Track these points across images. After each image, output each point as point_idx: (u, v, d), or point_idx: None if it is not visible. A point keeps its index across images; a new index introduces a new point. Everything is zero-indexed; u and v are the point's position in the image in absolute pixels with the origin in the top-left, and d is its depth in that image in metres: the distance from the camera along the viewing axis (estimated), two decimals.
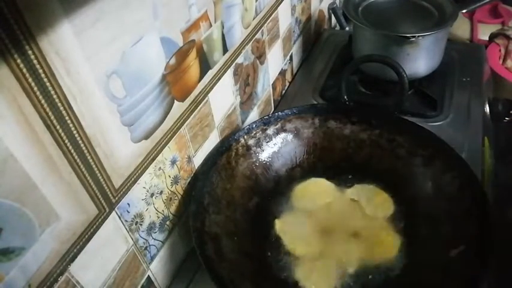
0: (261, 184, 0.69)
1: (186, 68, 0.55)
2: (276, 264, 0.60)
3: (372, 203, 0.66)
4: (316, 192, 0.69)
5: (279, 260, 0.60)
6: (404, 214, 0.63)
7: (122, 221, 0.50)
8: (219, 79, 0.64)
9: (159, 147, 0.53)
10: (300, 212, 0.66)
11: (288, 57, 0.95)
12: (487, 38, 1.30)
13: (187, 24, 0.53)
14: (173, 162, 0.57)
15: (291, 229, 0.63)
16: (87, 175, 0.42)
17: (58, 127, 0.38)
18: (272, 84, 0.88)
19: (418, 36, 0.78)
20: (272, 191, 0.69)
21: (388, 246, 0.60)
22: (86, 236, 0.44)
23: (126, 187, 0.49)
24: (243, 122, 0.77)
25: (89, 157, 0.42)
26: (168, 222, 0.60)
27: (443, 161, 0.63)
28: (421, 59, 0.83)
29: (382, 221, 0.63)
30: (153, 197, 0.55)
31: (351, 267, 0.58)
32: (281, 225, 0.64)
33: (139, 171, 0.51)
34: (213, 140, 0.67)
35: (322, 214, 0.65)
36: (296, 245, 0.61)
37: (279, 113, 0.72)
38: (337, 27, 1.22)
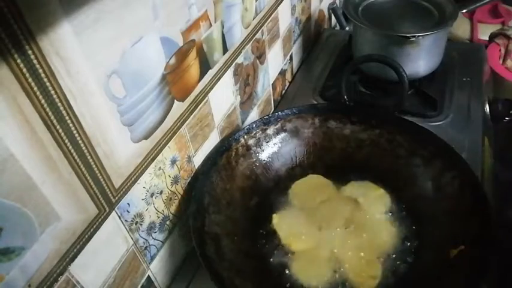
0: (261, 184, 0.69)
1: (186, 68, 0.55)
2: (274, 260, 0.60)
3: (368, 198, 0.66)
4: (313, 188, 0.69)
5: (277, 255, 0.60)
6: (404, 214, 0.63)
7: (122, 221, 0.50)
8: (219, 79, 0.64)
9: (159, 147, 0.53)
10: (297, 208, 0.66)
11: (288, 57, 0.95)
12: (487, 38, 1.30)
13: (187, 24, 0.53)
14: (173, 162, 0.57)
15: (288, 224, 0.64)
16: (87, 175, 0.42)
17: (58, 127, 0.38)
18: (272, 84, 0.88)
19: (418, 36, 0.78)
20: (272, 191, 0.69)
21: (385, 241, 0.60)
22: (86, 236, 0.44)
23: (126, 187, 0.49)
24: (243, 122, 0.77)
25: (89, 157, 0.42)
26: (168, 222, 0.60)
27: (443, 160, 0.63)
28: (421, 59, 0.83)
29: (379, 216, 0.63)
30: (153, 197, 0.55)
31: (346, 262, 0.58)
32: (278, 220, 0.64)
33: (139, 171, 0.51)
34: (213, 140, 0.67)
35: (319, 210, 0.65)
36: (291, 240, 0.61)
37: (279, 113, 0.72)
38: (337, 27, 1.22)
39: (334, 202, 0.67)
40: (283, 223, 0.64)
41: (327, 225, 0.63)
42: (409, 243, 0.60)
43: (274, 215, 0.65)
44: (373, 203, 0.65)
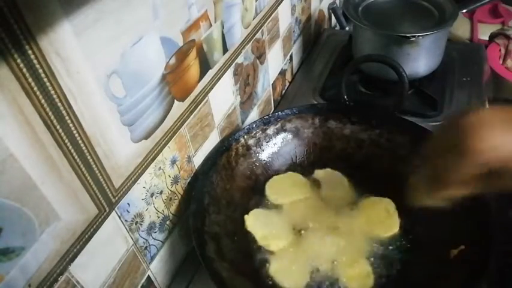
0: (261, 184, 0.69)
1: (186, 68, 0.55)
2: (262, 262, 0.59)
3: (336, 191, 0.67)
4: (290, 186, 0.68)
5: (262, 256, 0.60)
6: (404, 214, 0.63)
7: (122, 221, 0.50)
8: (219, 79, 0.64)
9: (159, 147, 0.53)
10: (274, 206, 0.66)
11: (288, 57, 0.95)
12: (487, 38, 1.30)
13: (187, 24, 0.53)
14: (173, 162, 0.57)
15: (263, 225, 0.63)
16: (87, 175, 0.42)
17: (58, 127, 0.38)
18: (272, 84, 0.88)
19: (418, 36, 0.78)
20: None
21: (380, 241, 0.60)
22: (86, 236, 0.44)
23: (126, 187, 0.49)
24: (243, 121, 0.77)
25: (88, 157, 0.42)
26: (168, 222, 0.60)
27: None
28: (421, 58, 0.83)
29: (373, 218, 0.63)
30: (153, 197, 0.55)
31: (325, 262, 0.58)
32: (251, 222, 0.63)
33: (139, 171, 0.51)
34: (213, 139, 0.67)
35: (297, 209, 0.65)
36: (269, 241, 0.61)
37: (279, 112, 0.72)
38: (337, 27, 1.22)
39: (313, 201, 0.66)
40: (257, 224, 0.63)
41: (307, 225, 0.62)
42: (408, 243, 0.60)
43: (246, 216, 0.63)
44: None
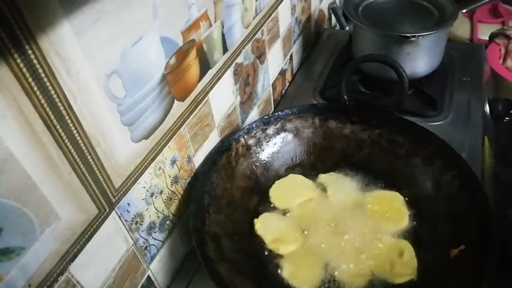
0: (261, 184, 0.69)
1: (186, 68, 0.55)
2: (271, 263, 0.59)
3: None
4: (294, 189, 0.68)
5: (272, 259, 0.60)
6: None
7: (121, 221, 0.50)
8: (219, 79, 0.64)
9: (159, 147, 0.53)
10: (280, 210, 0.66)
11: (288, 57, 0.95)
12: (487, 38, 1.30)
13: (187, 24, 0.53)
14: (173, 162, 0.57)
15: (272, 228, 0.63)
16: (87, 175, 0.42)
17: (58, 127, 0.38)
18: (272, 83, 0.88)
19: (418, 36, 0.78)
20: None
21: (378, 240, 0.60)
22: (86, 236, 0.44)
23: (126, 187, 0.49)
24: (243, 121, 0.77)
25: (88, 157, 0.42)
26: (168, 222, 0.60)
27: (443, 160, 0.63)
28: (421, 58, 0.83)
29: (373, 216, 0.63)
30: (153, 197, 0.55)
31: (336, 262, 0.58)
32: (260, 225, 0.63)
33: (139, 171, 0.51)
34: (213, 139, 0.67)
35: (304, 211, 0.65)
36: (278, 245, 0.61)
37: (279, 112, 0.72)
38: (337, 27, 1.22)
39: (321, 201, 0.66)
40: (266, 228, 0.63)
41: (315, 227, 0.62)
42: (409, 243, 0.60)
43: (255, 220, 0.63)
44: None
